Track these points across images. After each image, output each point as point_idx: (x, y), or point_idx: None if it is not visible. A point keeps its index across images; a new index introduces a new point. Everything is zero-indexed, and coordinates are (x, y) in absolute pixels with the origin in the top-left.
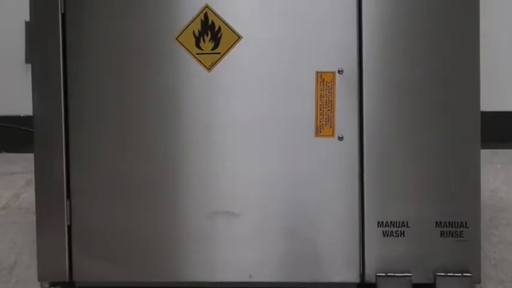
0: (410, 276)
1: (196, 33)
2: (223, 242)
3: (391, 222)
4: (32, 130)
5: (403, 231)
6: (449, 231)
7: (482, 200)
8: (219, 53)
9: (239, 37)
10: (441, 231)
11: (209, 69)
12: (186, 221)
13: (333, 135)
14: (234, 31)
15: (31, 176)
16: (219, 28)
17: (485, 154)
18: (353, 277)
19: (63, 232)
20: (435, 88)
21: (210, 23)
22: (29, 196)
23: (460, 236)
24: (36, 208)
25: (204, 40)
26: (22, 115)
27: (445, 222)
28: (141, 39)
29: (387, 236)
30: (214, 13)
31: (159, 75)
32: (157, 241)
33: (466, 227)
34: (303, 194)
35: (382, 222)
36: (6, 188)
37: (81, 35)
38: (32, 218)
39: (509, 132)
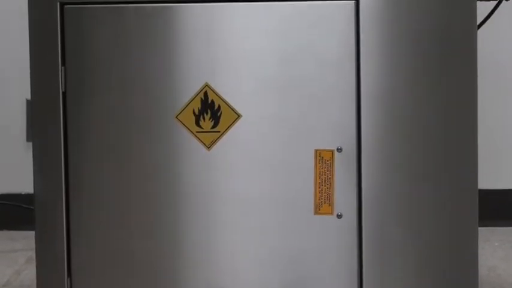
0: None
1: (196, 112)
2: None
3: None
4: (32, 208)
5: None
6: None
7: (480, 277)
8: (219, 131)
9: (239, 116)
10: None
11: (209, 147)
12: None
13: (331, 213)
14: (233, 110)
15: (32, 254)
16: (219, 107)
17: (483, 232)
18: None
19: None
20: (433, 166)
21: (210, 101)
22: (30, 273)
23: None
24: (37, 285)
25: (204, 118)
26: (23, 193)
27: None
28: (142, 116)
29: None
30: (214, 92)
31: (159, 152)
32: None
33: None
34: (301, 270)
35: None
36: (7, 266)
37: (81, 113)
38: None
39: (507, 210)
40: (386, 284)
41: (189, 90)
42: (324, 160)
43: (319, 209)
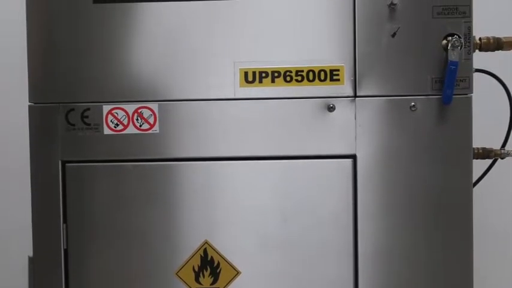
0: None
1: (196, 268)
2: None
3: None
4: None
5: None
6: None
7: None
8: None
9: (238, 272)
10: None
11: None
12: None
13: None
14: (232, 266)
15: None
16: (218, 263)
17: None
18: None
19: None
20: None
21: (209, 258)
22: None
23: None
24: None
25: (203, 275)
26: None
27: None
28: (142, 272)
29: None
30: (214, 249)
31: None
32: None
33: None
34: None
35: None
36: None
37: (83, 268)
38: None
39: None
40: None
41: (188, 247)
42: None
43: None
